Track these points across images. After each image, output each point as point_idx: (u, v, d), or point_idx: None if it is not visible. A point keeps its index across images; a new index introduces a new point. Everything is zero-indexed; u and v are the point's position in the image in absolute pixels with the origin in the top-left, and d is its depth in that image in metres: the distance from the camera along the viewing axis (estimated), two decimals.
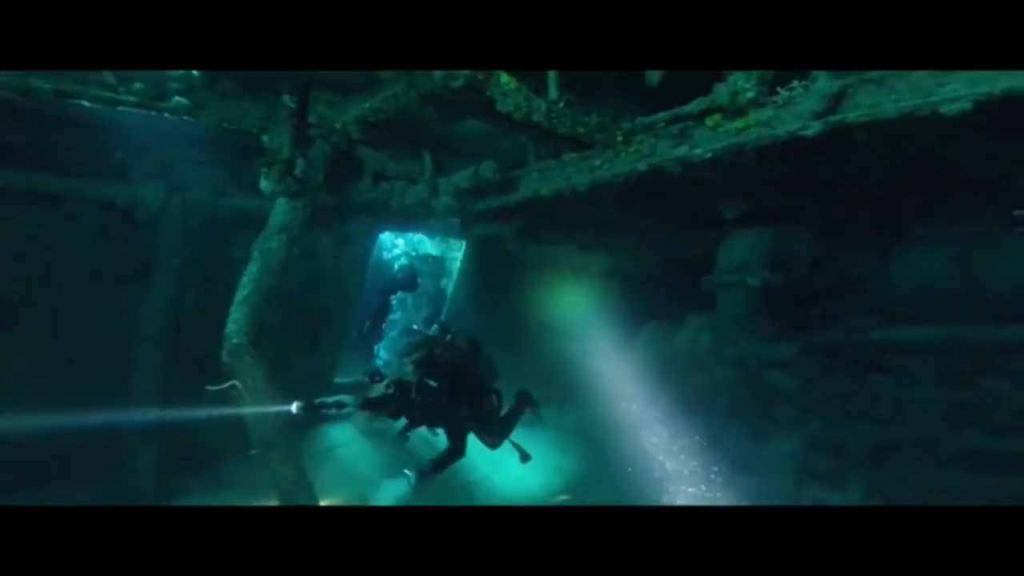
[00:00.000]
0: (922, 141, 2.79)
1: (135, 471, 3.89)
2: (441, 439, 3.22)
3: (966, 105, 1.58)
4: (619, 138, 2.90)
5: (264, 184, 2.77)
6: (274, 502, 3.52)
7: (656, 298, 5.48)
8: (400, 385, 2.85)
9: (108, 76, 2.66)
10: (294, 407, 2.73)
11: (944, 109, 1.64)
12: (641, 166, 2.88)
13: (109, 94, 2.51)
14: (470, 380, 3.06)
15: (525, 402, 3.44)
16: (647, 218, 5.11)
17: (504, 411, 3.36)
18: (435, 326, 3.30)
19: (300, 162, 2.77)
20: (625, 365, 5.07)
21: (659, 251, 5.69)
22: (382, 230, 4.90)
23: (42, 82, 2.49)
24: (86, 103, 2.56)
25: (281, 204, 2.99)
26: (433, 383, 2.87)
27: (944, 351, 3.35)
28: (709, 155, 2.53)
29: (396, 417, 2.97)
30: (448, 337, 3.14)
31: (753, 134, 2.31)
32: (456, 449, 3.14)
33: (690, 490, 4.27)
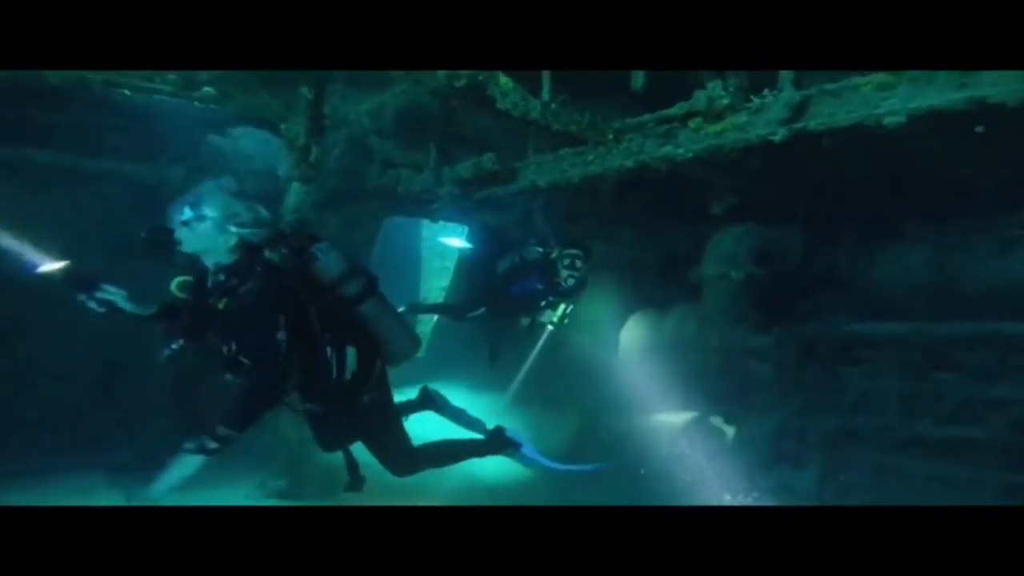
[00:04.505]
0: (897, 146, 2.98)
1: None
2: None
3: (901, 118, 1.80)
4: (610, 136, 3.11)
5: (281, 169, 3.01)
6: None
7: (650, 287, 5.70)
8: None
9: None
10: (55, 267, 2.01)
11: (885, 121, 1.85)
12: (629, 163, 3.09)
13: (148, 84, 2.76)
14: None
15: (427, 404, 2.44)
16: (643, 211, 5.32)
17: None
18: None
19: (315, 150, 3.01)
20: (616, 351, 5.32)
21: (654, 243, 5.91)
22: (388, 215, 5.13)
23: (94, 73, 2.72)
24: (127, 92, 2.80)
25: (295, 187, 3.24)
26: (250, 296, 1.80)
27: (905, 345, 3.57)
28: (691, 155, 2.74)
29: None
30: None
31: (730, 137, 2.52)
32: (262, 388, 1.86)
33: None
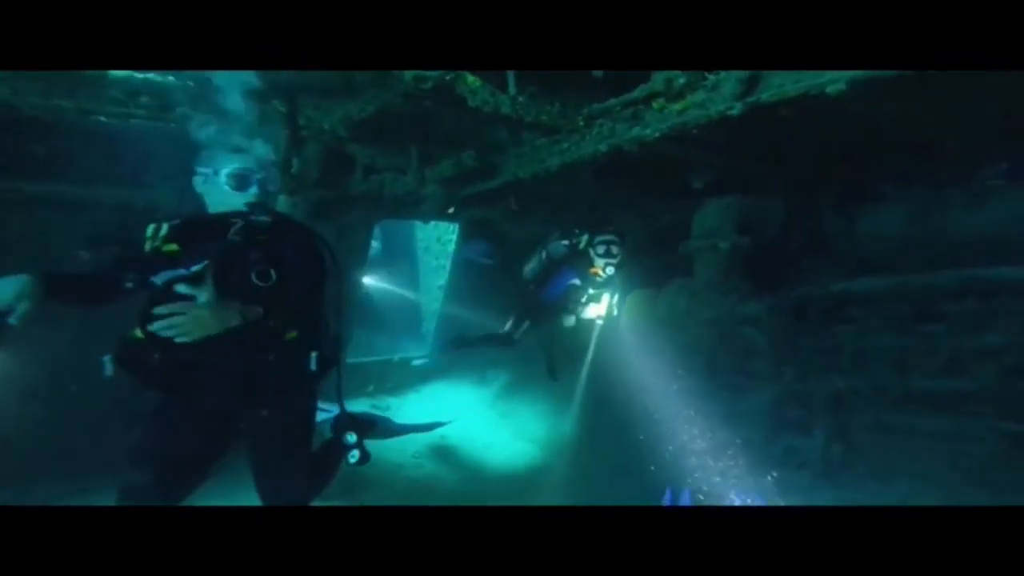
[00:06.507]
0: (854, 111, 3.02)
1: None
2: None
3: (842, 85, 1.87)
4: (581, 122, 3.18)
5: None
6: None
7: (643, 268, 5.77)
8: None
9: (117, 92, 2.97)
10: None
11: (828, 89, 1.92)
12: (603, 147, 3.17)
13: (121, 109, 2.85)
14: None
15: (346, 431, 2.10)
16: (626, 193, 5.38)
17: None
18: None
19: (295, 161, 3.10)
20: (614, 334, 5.39)
21: (643, 223, 5.97)
22: (378, 220, 5.22)
23: (66, 101, 2.82)
24: (103, 118, 2.89)
25: (281, 201, 3.34)
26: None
27: (890, 299, 3.63)
28: (658, 135, 2.82)
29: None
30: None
31: (692, 114, 2.59)
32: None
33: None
